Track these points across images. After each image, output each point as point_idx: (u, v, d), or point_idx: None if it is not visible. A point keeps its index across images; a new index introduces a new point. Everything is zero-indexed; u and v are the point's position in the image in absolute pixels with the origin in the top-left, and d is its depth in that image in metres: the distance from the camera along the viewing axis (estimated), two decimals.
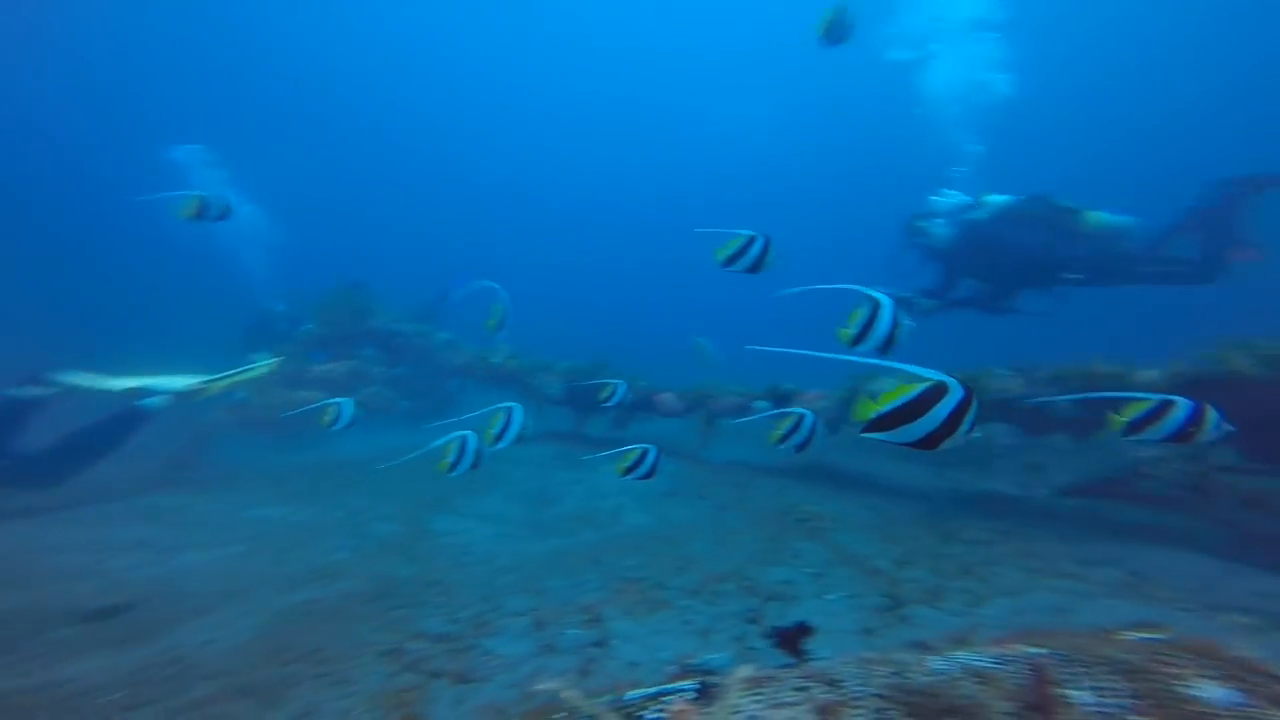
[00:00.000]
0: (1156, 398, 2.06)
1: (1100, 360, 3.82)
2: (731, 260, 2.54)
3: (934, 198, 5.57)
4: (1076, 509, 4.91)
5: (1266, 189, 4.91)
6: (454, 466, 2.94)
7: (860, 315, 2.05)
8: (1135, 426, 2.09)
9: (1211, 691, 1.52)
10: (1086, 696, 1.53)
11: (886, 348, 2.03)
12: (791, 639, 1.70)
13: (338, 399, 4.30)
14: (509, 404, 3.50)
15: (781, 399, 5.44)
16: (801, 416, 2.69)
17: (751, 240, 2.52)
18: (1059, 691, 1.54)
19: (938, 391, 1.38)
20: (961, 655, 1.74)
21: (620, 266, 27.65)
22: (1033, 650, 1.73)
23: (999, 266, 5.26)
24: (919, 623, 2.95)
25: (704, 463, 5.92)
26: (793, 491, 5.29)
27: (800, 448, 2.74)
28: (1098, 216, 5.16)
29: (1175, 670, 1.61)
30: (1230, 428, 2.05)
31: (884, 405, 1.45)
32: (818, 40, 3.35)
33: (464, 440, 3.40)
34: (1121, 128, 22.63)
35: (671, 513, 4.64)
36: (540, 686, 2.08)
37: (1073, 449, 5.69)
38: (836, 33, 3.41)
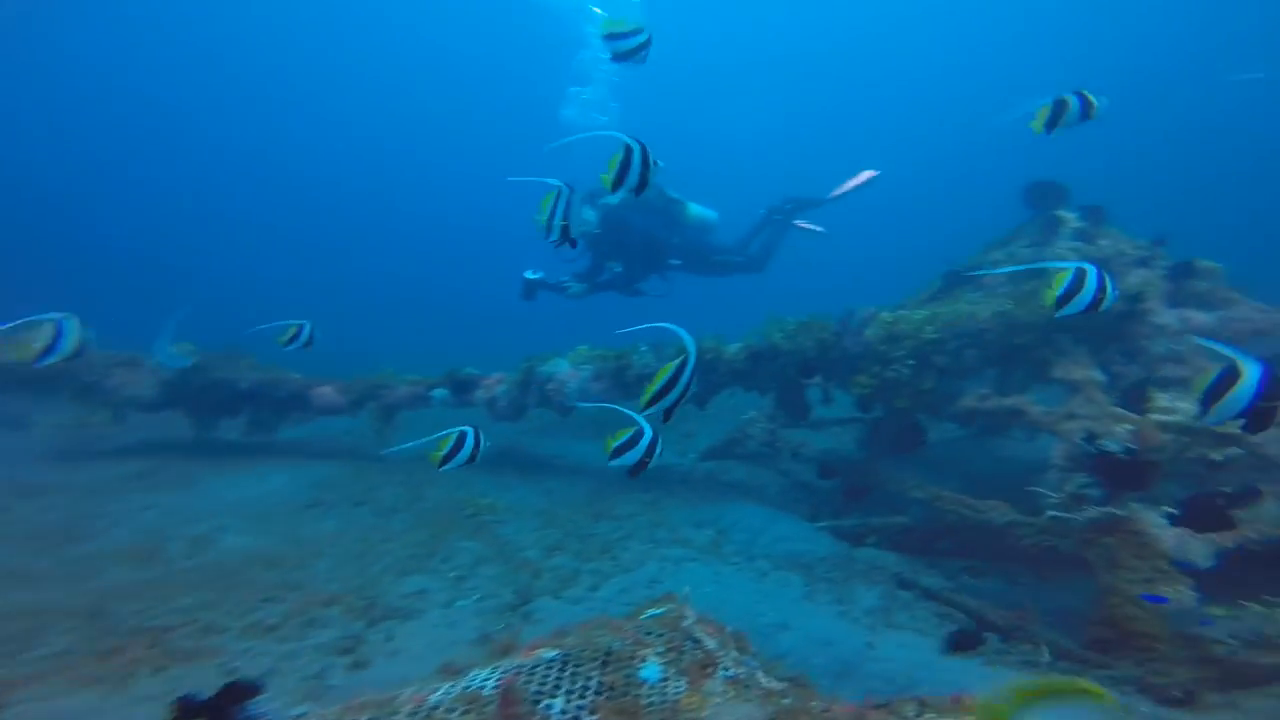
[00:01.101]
0: (1072, 266, 2.11)
1: (706, 338, 4.62)
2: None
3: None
4: (708, 471, 6.02)
5: (811, 207, 6.51)
6: None
7: (617, 159, 2.07)
8: (1063, 300, 2.10)
9: (650, 671, 1.81)
10: (558, 703, 1.65)
11: (641, 188, 2.07)
12: (213, 710, 1.38)
13: None
14: (55, 315, 2.47)
15: (461, 386, 5.17)
16: (640, 431, 2.17)
17: (559, 195, 2.10)
18: (528, 708, 1.62)
19: (681, 367, 1.92)
20: (482, 674, 1.72)
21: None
22: (549, 654, 1.82)
23: (627, 250, 5.70)
24: (539, 618, 3.05)
25: (378, 461, 5.30)
26: (475, 484, 5.12)
27: (634, 471, 2.24)
28: (695, 208, 6.01)
29: (643, 651, 1.87)
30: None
31: (657, 383, 1.95)
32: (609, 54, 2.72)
33: None
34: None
35: (304, 528, 3.94)
36: None
37: (713, 415, 6.98)
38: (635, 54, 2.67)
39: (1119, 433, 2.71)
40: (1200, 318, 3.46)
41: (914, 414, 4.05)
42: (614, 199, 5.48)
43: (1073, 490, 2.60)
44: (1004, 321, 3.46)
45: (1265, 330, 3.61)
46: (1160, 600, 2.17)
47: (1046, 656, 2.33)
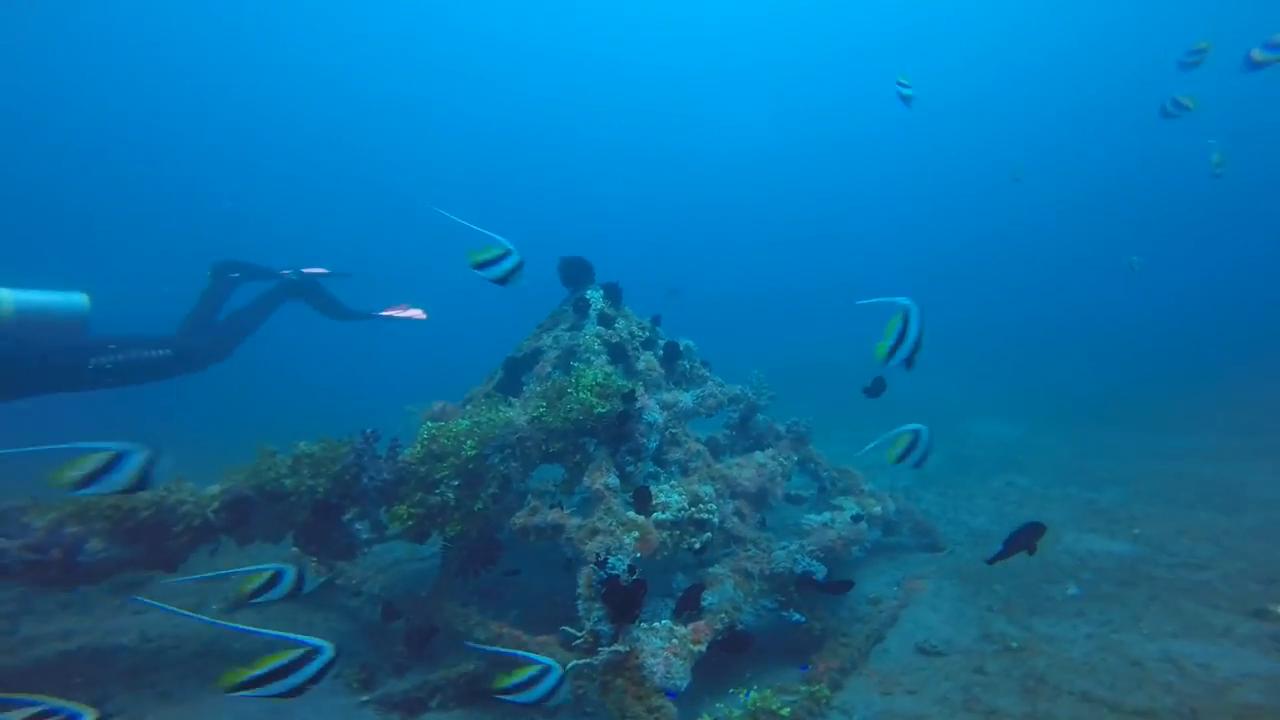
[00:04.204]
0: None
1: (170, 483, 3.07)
2: None
3: None
4: (216, 638, 4.12)
5: (258, 276, 5.17)
6: None
7: None
8: None
9: None
10: None
11: None
12: None
13: None
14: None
15: None
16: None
17: None
18: None
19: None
20: None
21: None
22: None
23: None
24: None
25: None
26: None
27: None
28: (12, 297, 3.86)
29: None
30: None
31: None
32: None
33: None
34: None
35: None
36: None
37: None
38: None
39: (628, 544, 2.80)
40: (684, 400, 4.20)
41: (479, 535, 3.54)
42: None
43: (592, 626, 2.49)
44: (540, 428, 3.36)
45: (723, 403, 4.70)
46: None
47: None
